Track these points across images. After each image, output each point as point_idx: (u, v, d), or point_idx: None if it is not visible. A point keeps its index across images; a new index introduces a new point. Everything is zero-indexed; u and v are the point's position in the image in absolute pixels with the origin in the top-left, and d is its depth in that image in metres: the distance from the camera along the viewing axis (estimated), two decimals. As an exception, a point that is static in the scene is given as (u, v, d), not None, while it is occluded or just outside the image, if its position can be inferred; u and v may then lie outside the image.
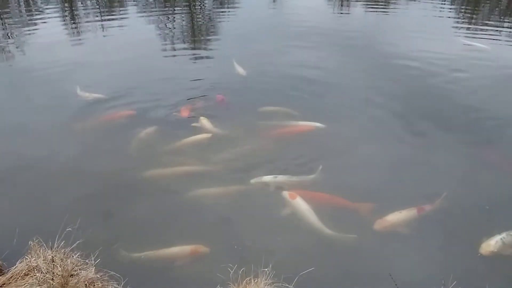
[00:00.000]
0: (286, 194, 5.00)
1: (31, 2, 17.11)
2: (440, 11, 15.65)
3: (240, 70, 8.63)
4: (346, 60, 9.54)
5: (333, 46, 10.79)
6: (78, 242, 3.51)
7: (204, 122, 6.59)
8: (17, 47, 11.03)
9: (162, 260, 4.18)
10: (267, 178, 5.25)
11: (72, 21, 14.17)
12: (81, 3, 16.83)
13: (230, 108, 7.23)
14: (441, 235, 4.50)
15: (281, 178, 5.26)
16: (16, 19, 14.16)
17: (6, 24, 13.32)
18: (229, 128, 6.50)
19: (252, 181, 5.21)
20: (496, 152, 6.03)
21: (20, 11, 15.63)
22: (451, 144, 6.19)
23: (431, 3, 16.58)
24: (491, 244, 4.27)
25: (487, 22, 13.93)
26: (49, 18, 14.10)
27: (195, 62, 9.73)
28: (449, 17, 14.60)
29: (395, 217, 4.63)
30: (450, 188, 5.08)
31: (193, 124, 6.59)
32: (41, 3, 16.75)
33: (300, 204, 4.84)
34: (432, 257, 4.22)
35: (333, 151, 6.00)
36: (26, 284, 3.21)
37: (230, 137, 6.28)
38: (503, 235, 4.36)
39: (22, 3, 16.77)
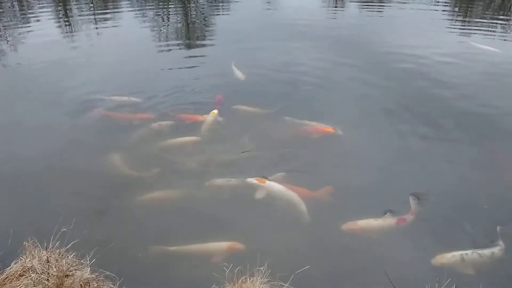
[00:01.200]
0: (253, 180, 5.11)
1: (24, 0, 16.97)
2: (436, 7, 15.66)
3: (239, 74, 8.43)
4: (345, 61, 9.40)
5: (330, 44, 10.75)
6: (73, 242, 3.51)
7: (210, 118, 6.58)
8: (10, 46, 10.96)
9: (197, 255, 4.20)
10: (221, 181, 5.20)
11: (66, 20, 14.08)
12: (75, 1, 16.73)
13: (228, 108, 7.19)
14: (438, 233, 4.50)
15: (234, 181, 5.21)
16: (9, 18, 14.06)
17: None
18: (227, 128, 6.49)
19: (207, 184, 5.16)
20: (496, 152, 6.00)
21: (14, 10, 15.52)
22: (456, 145, 6.11)
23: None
24: (446, 256, 4.03)
25: (495, 22, 13.65)
26: (42, 16, 14.01)
27: (191, 62, 9.59)
28: (455, 19, 14.41)
29: (365, 223, 4.52)
30: (451, 187, 5.11)
31: (201, 118, 6.61)
32: (34, 1, 16.63)
33: (272, 185, 4.99)
34: (428, 255, 4.21)
35: (332, 151, 6.00)
36: (21, 285, 3.21)
37: (227, 138, 6.27)
38: (469, 251, 4.11)
39: (15, 2, 16.63)
